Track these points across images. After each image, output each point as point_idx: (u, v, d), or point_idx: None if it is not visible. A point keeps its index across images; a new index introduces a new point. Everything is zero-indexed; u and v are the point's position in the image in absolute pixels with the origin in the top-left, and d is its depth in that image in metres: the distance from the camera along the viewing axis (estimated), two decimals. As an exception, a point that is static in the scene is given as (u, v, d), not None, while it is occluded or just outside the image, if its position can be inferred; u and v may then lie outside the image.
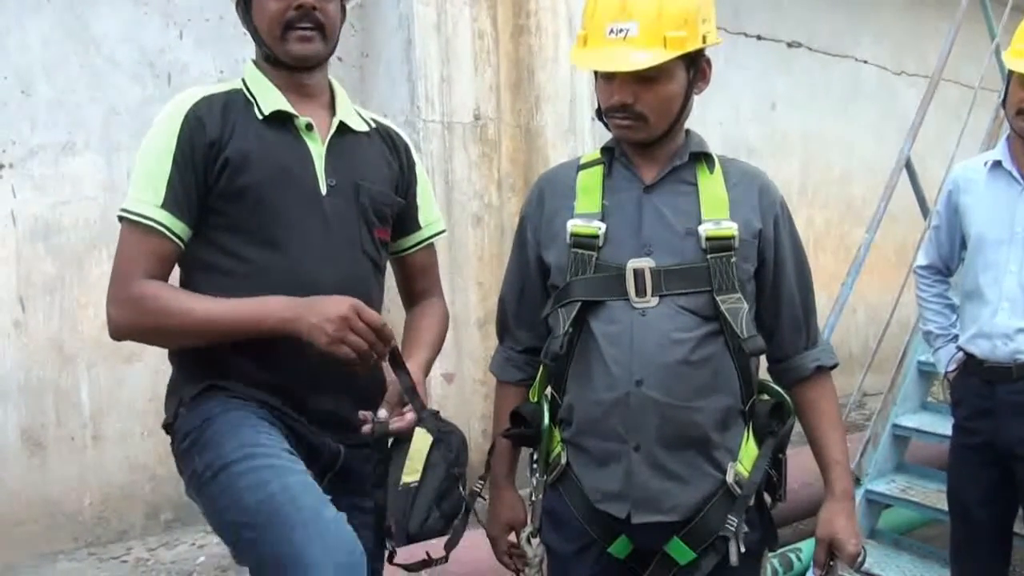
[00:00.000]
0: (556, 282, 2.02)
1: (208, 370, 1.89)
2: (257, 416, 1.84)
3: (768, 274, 2.03)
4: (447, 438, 4.10)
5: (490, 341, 4.44)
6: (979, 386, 2.91)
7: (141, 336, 1.91)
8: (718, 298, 1.92)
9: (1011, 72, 2.74)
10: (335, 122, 1.98)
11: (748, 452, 2.00)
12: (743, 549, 1.96)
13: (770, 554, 2.15)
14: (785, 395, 2.07)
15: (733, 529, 1.94)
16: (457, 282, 4.50)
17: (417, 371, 2.00)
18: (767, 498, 2.05)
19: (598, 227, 1.97)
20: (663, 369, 1.91)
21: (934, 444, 4.03)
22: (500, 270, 4.45)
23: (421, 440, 4.05)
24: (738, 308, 1.92)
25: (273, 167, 1.88)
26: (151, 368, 4.06)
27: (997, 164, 2.92)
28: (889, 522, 4.17)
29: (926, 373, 4.13)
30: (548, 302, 2.04)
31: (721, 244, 1.94)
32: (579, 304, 1.96)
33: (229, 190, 1.85)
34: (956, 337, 3.06)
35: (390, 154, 2.09)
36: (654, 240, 1.95)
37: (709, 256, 1.93)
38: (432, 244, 2.22)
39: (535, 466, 2.13)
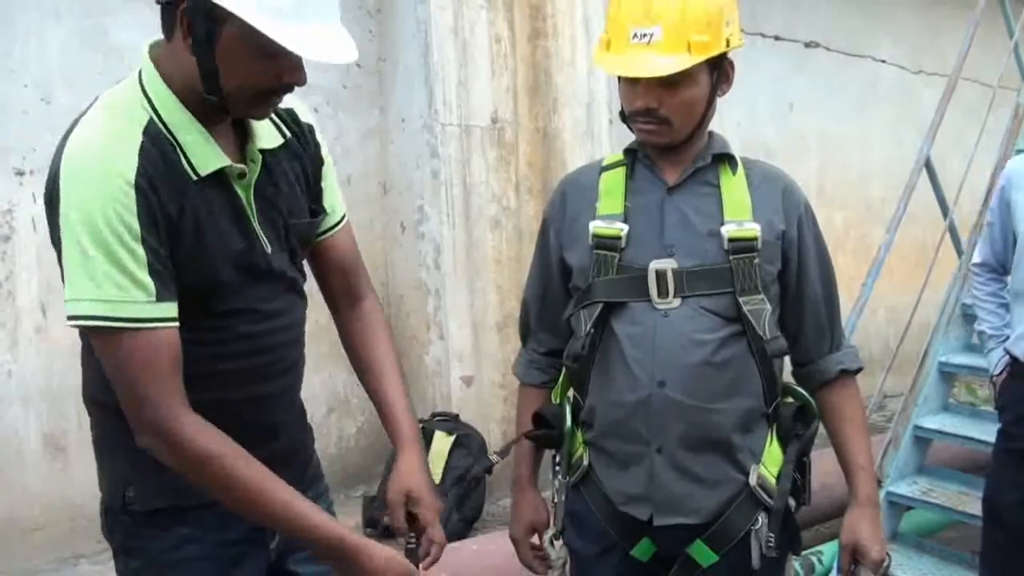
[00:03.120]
0: (578, 283, 2.02)
1: (162, 469, 1.58)
2: None
3: (792, 276, 2.01)
4: (466, 441, 4.11)
5: (509, 344, 4.45)
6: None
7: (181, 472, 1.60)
8: (740, 299, 1.92)
9: None
10: (256, 156, 1.67)
11: (772, 455, 2.00)
12: (766, 553, 1.95)
13: (794, 558, 2.14)
14: (809, 397, 2.06)
15: (757, 531, 1.94)
16: (476, 285, 4.50)
17: (411, 428, 1.86)
18: (791, 502, 2.03)
19: (620, 228, 1.97)
20: (685, 370, 1.90)
21: (956, 446, 4.01)
22: (518, 273, 4.46)
23: (441, 443, 4.07)
24: (761, 309, 1.92)
25: (219, 242, 1.61)
26: (171, 373, 4.08)
27: None
28: (911, 524, 4.15)
29: (947, 374, 4.11)
30: (570, 303, 2.04)
31: (744, 245, 1.93)
32: (601, 305, 1.95)
33: (177, 261, 1.57)
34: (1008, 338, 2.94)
35: (301, 153, 1.79)
36: (676, 241, 1.95)
37: (732, 257, 1.93)
38: (346, 229, 1.92)
39: (557, 468, 2.13)
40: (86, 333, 1.64)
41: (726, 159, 2.01)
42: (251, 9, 1.45)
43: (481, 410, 4.43)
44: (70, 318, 1.52)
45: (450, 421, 4.21)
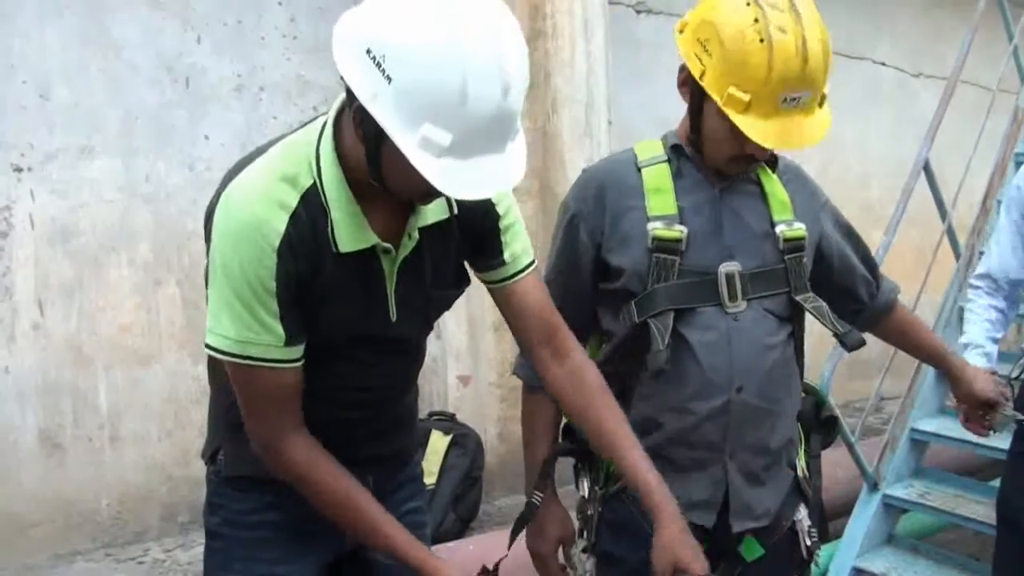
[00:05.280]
0: (631, 287, 1.93)
1: (249, 451, 1.74)
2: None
3: (833, 256, 2.09)
4: (463, 441, 4.11)
5: (505, 344, 4.44)
6: None
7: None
8: (797, 298, 1.94)
9: None
10: (415, 232, 1.70)
11: (802, 451, 2.06)
12: (811, 544, 2.01)
13: (820, 548, 2.13)
14: (823, 395, 2.16)
15: (799, 522, 2.01)
16: (473, 284, 4.49)
17: (667, 501, 1.76)
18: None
19: (680, 230, 1.91)
20: (761, 375, 1.91)
21: (953, 448, 4.01)
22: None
23: (438, 442, 4.07)
24: (820, 306, 1.96)
25: (346, 311, 1.68)
26: (168, 370, 4.08)
27: None
28: (907, 527, 4.15)
29: (944, 377, 4.10)
30: (623, 308, 1.95)
31: (796, 244, 1.96)
32: (672, 313, 1.89)
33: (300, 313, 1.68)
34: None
35: (469, 224, 1.78)
36: (736, 243, 1.93)
37: (786, 257, 1.94)
38: (532, 277, 1.86)
39: (583, 478, 2.06)
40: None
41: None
42: (412, 145, 1.44)
43: (478, 409, 4.43)
44: (208, 346, 1.63)
45: (447, 420, 4.20)
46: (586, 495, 2.06)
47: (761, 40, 1.74)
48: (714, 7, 1.81)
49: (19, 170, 3.75)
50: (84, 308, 3.91)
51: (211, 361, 1.84)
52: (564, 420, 2.08)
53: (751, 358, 1.90)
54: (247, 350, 1.60)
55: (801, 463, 2.04)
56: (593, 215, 1.99)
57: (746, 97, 1.77)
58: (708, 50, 1.81)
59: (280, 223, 1.56)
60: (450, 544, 3.29)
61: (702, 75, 1.83)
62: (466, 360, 4.45)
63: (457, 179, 1.46)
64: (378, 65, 1.43)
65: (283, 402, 1.66)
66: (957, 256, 4.25)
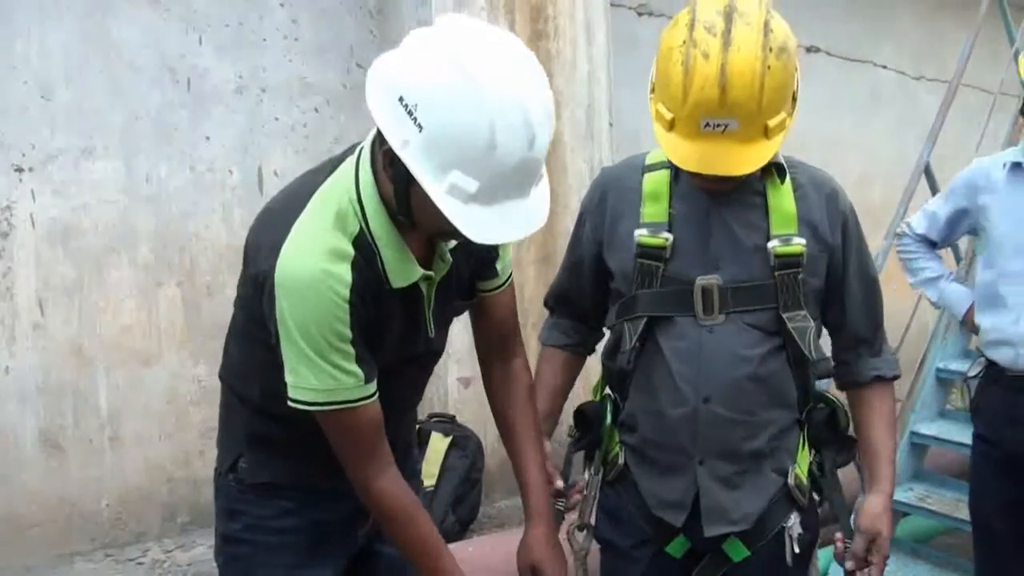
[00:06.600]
0: (620, 288, 1.99)
1: (273, 454, 1.89)
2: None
3: (835, 280, 2.01)
4: (463, 443, 4.10)
5: (506, 346, 4.43)
6: (1003, 395, 2.83)
7: None
8: (784, 315, 1.91)
9: None
10: (446, 257, 1.79)
11: (803, 458, 2.03)
12: (797, 549, 2.00)
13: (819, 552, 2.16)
14: (838, 403, 2.09)
15: (789, 528, 2.00)
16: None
17: (542, 502, 2.00)
18: (815, 497, 2.09)
19: (666, 238, 1.93)
20: (730, 385, 1.91)
21: (952, 452, 4.01)
22: (517, 275, 4.43)
23: (438, 443, 4.06)
24: (805, 327, 1.91)
25: (394, 338, 1.78)
26: (169, 371, 4.08)
27: (1017, 167, 2.85)
28: (907, 531, 4.15)
29: (944, 380, 4.10)
30: (612, 309, 2.03)
31: (789, 261, 1.91)
32: (646, 319, 1.93)
33: None
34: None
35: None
36: (722, 255, 1.93)
37: (776, 273, 1.91)
38: (509, 290, 2.02)
39: (588, 466, 2.15)
40: (236, 319, 1.86)
41: (774, 168, 1.95)
42: (440, 191, 1.51)
43: (479, 411, 4.41)
44: (293, 400, 1.69)
45: (447, 422, 4.20)
46: (587, 477, 2.13)
47: (682, 64, 1.75)
48: (670, 24, 1.85)
49: (20, 170, 3.75)
50: (85, 309, 3.91)
51: (230, 374, 1.94)
52: (575, 410, 2.16)
53: (720, 369, 1.90)
54: (331, 396, 1.67)
55: (798, 471, 2.01)
56: (596, 214, 2.06)
57: (669, 115, 1.80)
58: (656, 64, 1.87)
59: (345, 273, 1.62)
60: (450, 546, 3.28)
61: (652, 88, 1.89)
62: (467, 362, 4.43)
63: (483, 224, 1.54)
64: (410, 113, 1.49)
65: (374, 438, 1.75)
66: (958, 260, 4.26)
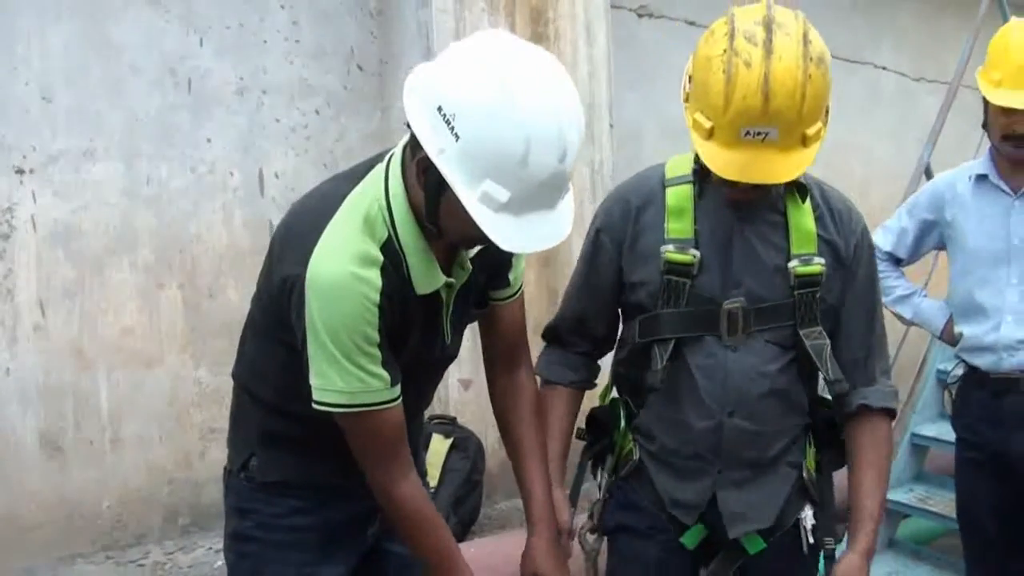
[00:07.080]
0: (644, 303, 2.00)
1: (285, 453, 1.93)
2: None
3: (836, 299, 2.02)
4: (464, 444, 4.10)
5: (507, 347, 4.43)
6: (985, 398, 2.89)
7: None
8: (801, 332, 1.95)
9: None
10: (467, 265, 1.85)
11: (811, 456, 2.11)
12: (812, 540, 2.06)
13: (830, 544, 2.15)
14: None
15: (802, 520, 2.07)
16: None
17: (544, 511, 2.03)
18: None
19: (694, 255, 1.95)
20: (753, 400, 1.96)
21: (953, 453, 4.00)
22: (517, 276, 4.45)
23: (439, 444, 4.06)
24: (822, 345, 1.94)
25: (414, 343, 1.83)
26: (170, 373, 4.08)
27: (982, 178, 2.89)
28: (908, 532, 4.15)
29: (945, 382, 4.10)
30: (629, 323, 2.06)
31: (809, 281, 1.94)
32: (674, 340, 1.96)
33: None
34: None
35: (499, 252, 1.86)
36: (744, 275, 1.95)
37: (796, 292, 1.94)
38: (519, 300, 2.07)
39: (600, 470, 2.19)
40: (254, 319, 1.90)
41: (795, 186, 1.96)
42: (472, 199, 1.57)
43: (479, 413, 4.41)
44: (317, 403, 1.73)
45: (448, 424, 4.20)
46: (600, 485, 2.17)
47: (723, 72, 1.75)
48: (706, 34, 1.85)
49: (21, 172, 3.75)
50: (86, 310, 3.91)
51: (244, 372, 1.98)
52: (587, 415, 2.20)
53: (744, 385, 1.95)
54: (356, 399, 1.71)
55: (808, 461, 2.08)
56: (618, 229, 2.05)
57: (708, 124, 1.79)
58: (691, 74, 1.87)
59: (375, 277, 1.67)
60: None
61: (687, 98, 1.88)
62: (468, 364, 4.43)
63: (511, 233, 1.60)
64: (447, 123, 1.54)
65: (396, 442, 1.79)
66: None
